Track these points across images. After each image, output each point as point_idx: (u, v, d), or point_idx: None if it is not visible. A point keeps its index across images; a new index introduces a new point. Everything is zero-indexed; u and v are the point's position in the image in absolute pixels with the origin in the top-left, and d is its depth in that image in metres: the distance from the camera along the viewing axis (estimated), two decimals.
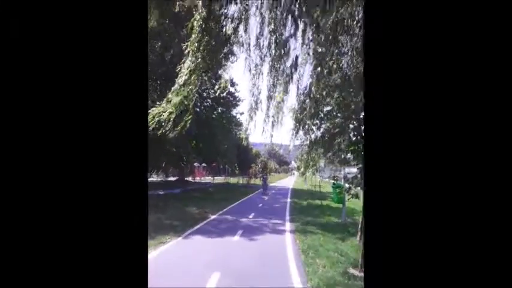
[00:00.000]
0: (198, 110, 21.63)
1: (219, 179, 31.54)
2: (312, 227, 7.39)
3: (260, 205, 12.21)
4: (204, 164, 31.14)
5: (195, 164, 29.33)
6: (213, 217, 8.71)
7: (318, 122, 6.10)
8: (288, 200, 14.60)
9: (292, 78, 4.88)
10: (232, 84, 22.28)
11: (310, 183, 25.05)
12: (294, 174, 73.40)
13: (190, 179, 26.53)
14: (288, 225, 7.75)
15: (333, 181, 13.41)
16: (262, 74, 4.73)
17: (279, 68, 4.67)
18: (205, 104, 22.19)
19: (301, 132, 5.96)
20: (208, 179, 29.42)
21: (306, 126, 5.78)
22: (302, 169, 6.73)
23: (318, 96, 5.00)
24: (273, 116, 5.37)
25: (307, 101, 5.31)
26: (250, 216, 9.02)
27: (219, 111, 22.41)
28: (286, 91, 5.06)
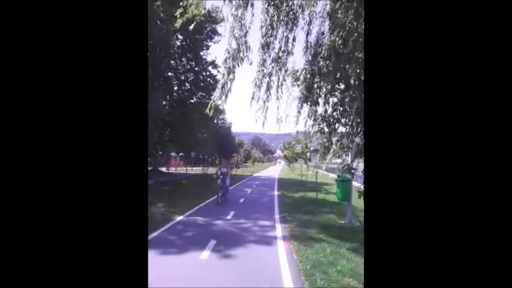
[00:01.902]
0: (175, 94, 19.37)
1: (197, 170, 29.26)
2: (312, 231, 5.47)
3: (242, 200, 10.18)
4: (181, 154, 28.78)
5: (171, 153, 27.02)
6: (178, 218, 6.57)
7: (330, 88, 4.06)
8: (276, 192, 12.70)
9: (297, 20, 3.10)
10: (214, 66, 19.99)
11: (299, 173, 23.47)
12: (279, 163, 73.30)
13: (164, 169, 24.03)
14: (279, 228, 5.79)
15: (328, 172, 11.52)
16: (251, 5, 2.81)
17: (281, 4, 2.75)
18: (184, 88, 19.95)
19: (306, 108, 4.05)
20: (184, 169, 26.97)
21: (315, 95, 3.83)
22: (314, 156, 4.76)
23: (336, 47, 3.08)
24: (269, 75, 3.41)
25: (320, 55, 3.42)
26: (229, 216, 6.97)
27: (198, 96, 20.10)
28: (289, 41, 3.17)
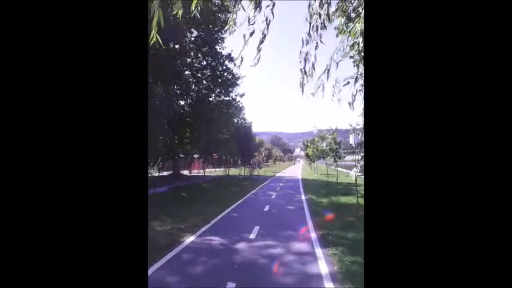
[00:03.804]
0: (193, 93, 18.24)
1: (219, 171, 28.14)
2: None
3: (267, 208, 8.68)
4: (204, 155, 27.81)
5: (195, 156, 26.06)
6: (188, 240, 5.17)
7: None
8: (303, 196, 11.07)
9: None
10: (231, 59, 18.61)
11: (321, 172, 21.66)
12: (298, 161, 71.36)
13: (186, 172, 22.92)
14: (321, 257, 4.19)
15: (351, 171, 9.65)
16: None
17: None
18: (201, 86, 18.76)
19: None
20: (208, 171, 25.74)
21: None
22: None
23: None
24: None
25: None
26: (252, 235, 5.48)
27: (217, 93, 18.82)
28: None
